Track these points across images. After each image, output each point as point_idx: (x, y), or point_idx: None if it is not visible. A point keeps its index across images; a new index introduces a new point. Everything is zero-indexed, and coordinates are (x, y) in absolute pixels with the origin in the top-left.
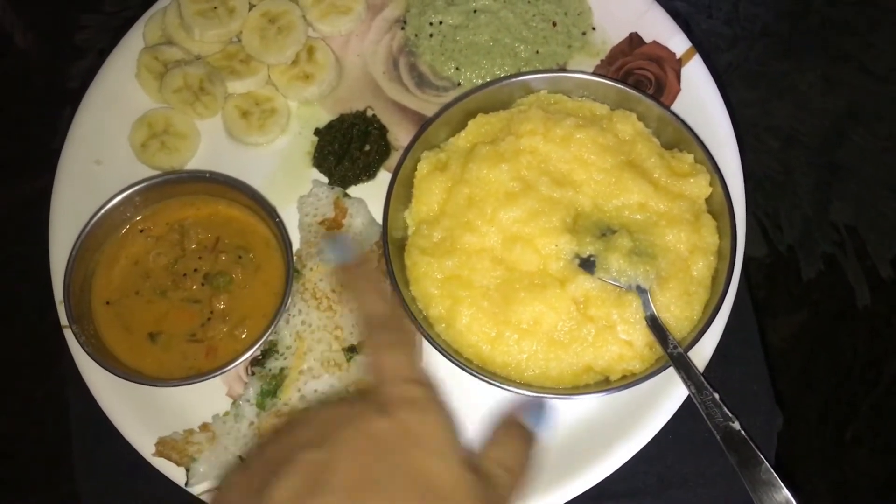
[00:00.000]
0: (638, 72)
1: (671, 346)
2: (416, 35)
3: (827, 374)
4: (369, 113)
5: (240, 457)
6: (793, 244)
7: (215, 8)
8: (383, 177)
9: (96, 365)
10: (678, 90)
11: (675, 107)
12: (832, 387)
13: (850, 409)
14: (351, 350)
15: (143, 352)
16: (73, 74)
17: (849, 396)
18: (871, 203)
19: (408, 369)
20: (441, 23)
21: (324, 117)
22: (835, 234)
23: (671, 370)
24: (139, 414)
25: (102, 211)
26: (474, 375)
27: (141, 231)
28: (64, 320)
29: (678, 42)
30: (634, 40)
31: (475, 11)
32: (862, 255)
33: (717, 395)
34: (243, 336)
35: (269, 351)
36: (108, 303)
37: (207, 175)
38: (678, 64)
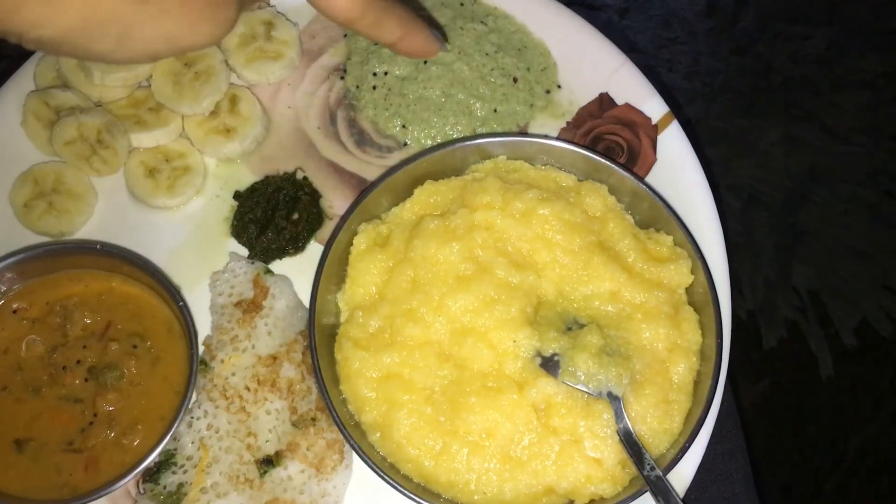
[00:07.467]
0: (608, 137)
1: (648, 468)
2: (357, 86)
3: (790, 450)
4: (300, 175)
5: None
6: (754, 310)
7: None
8: (313, 251)
9: None
10: (654, 160)
11: (651, 179)
12: (797, 463)
13: (815, 488)
14: (266, 462)
15: (6, 463)
16: None
17: (813, 473)
18: (834, 268)
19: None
20: (386, 73)
21: (246, 178)
22: (797, 299)
23: (647, 495)
24: None
25: None
26: (412, 498)
27: (14, 311)
28: None
29: (654, 106)
30: (605, 101)
31: (426, 62)
32: (825, 323)
33: None
34: (134, 444)
35: (164, 463)
36: None
37: (98, 246)
38: (654, 131)
